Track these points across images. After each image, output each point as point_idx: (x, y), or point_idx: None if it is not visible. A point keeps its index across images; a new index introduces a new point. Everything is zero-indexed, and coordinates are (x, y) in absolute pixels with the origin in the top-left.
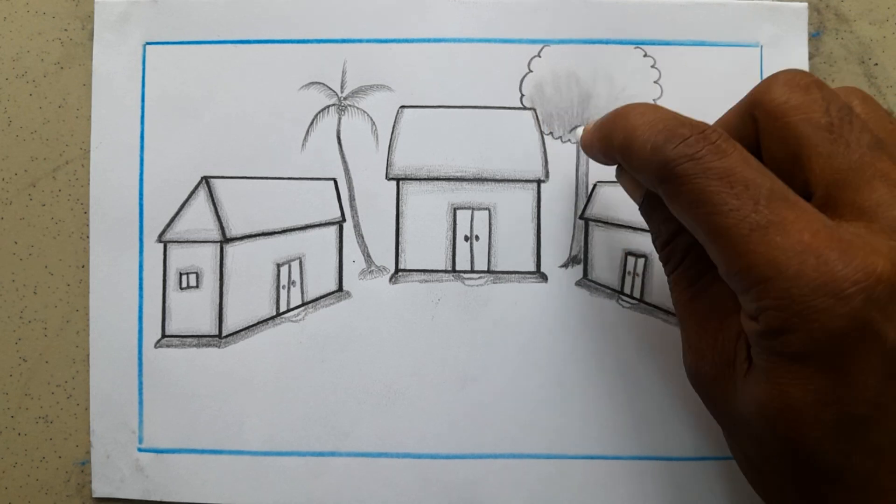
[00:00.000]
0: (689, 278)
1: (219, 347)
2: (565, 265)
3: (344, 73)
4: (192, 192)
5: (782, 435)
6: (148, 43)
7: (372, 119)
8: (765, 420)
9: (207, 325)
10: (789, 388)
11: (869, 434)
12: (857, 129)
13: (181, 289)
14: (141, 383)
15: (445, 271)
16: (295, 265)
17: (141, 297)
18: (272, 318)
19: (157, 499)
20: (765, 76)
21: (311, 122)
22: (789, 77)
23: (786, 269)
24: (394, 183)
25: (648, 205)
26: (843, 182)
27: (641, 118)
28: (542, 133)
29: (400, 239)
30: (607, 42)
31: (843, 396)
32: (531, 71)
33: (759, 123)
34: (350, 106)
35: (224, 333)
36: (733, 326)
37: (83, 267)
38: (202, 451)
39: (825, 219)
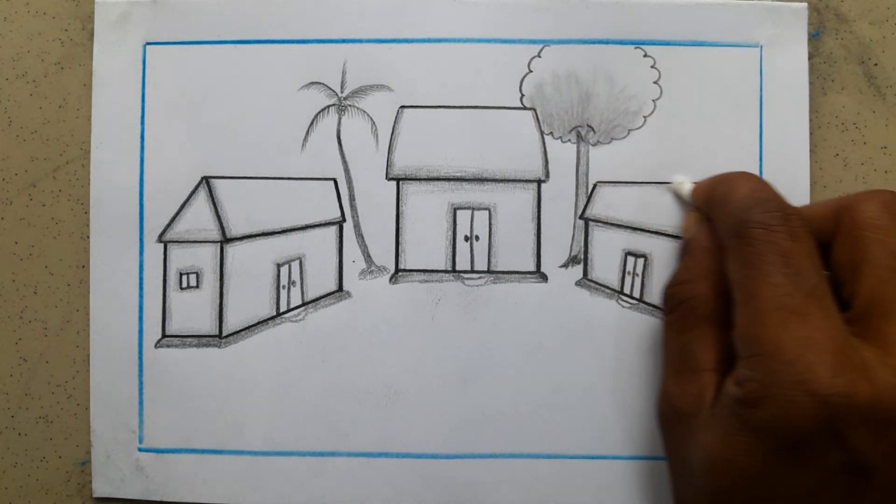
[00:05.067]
0: (681, 326)
1: (219, 347)
2: (565, 265)
3: (344, 73)
4: (192, 192)
5: (713, 492)
6: (148, 43)
7: (372, 119)
8: (704, 472)
9: (207, 325)
10: (738, 456)
11: None
12: None
13: (181, 289)
14: (141, 383)
15: (445, 271)
16: (295, 265)
17: (141, 297)
18: (272, 318)
19: (157, 499)
20: (765, 76)
21: (311, 122)
22: (889, 199)
23: (784, 354)
24: (394, 183)
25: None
26: (882, 309)
27: (747, 183)
28: (542, 133)
29: (400, 239)
30: (607, 42)
31: (782, 486)
32: (531, 71)
33: (840, 225)
34: (350, 106)
35: (224, 333)
36: (706, 379)
37: (83, 267)
38: (202, 451)
39: (845, 332)
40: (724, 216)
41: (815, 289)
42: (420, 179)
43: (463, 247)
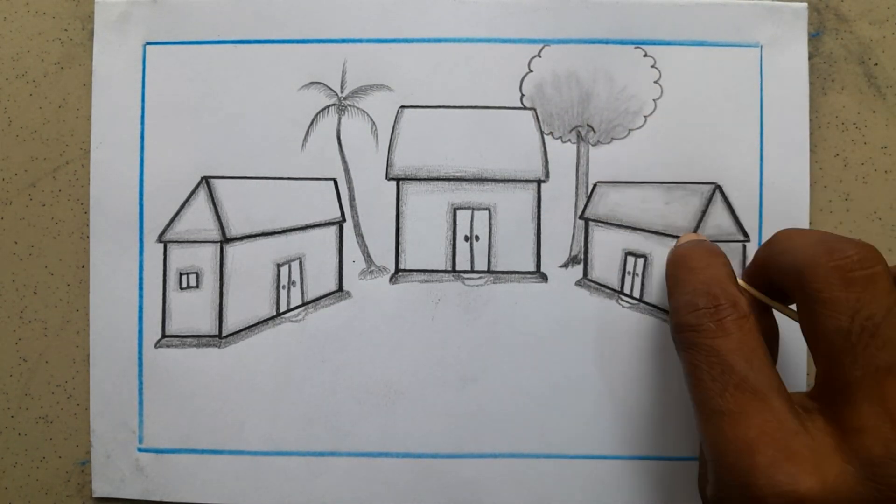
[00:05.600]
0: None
1: (219, 347)
2: (565, 265)
3: (344, 73)
4: (192, 192)
5: None
6: (148, 43)
7: (372, 119)
8: None
9: (207, 325)
10: None
11: None
12: (875, 347)
13: (181, 289)
14: (141, 383)
15: (445, 271)
16: (295, 265)
17: (141, 297)
18: (272, 318)
19: (157, 499)
20: (765, 76)
21: (311, 122)
22: (843, 264)
23: (723, 459)
24: (394, 183)
25: None
26: (838, 392)
27: (689, 274)
28: (542, 133)
29: (400, 239)
30: (607, 42)
31: None
32: (531, 71)
33: (796, 290)
34: (350, 106)
35: (224, 333)
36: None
37: (83, 267)
38: (202, 451)
39: (786, 421)
40: (670, 313)
41: (744, 381)
42: (420, 179)
43: (463, 247)
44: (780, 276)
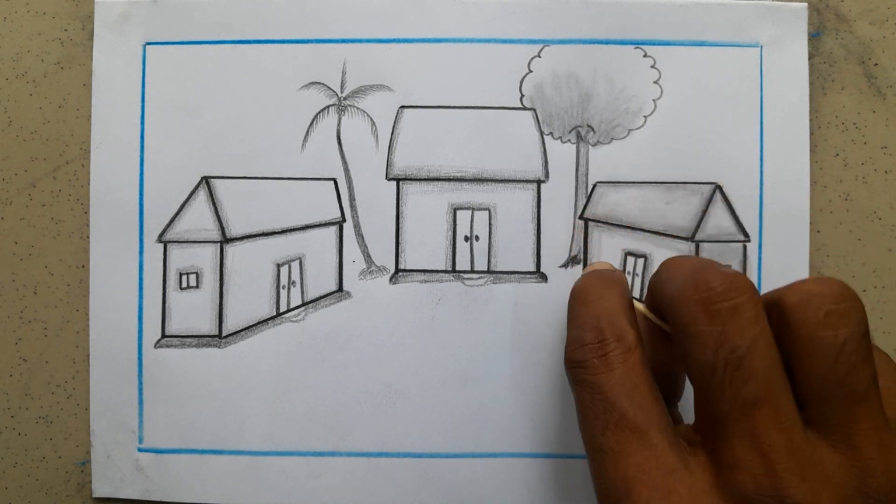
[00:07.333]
0: None
1: (219, 347)
2: (565, 265)
3: (344, 73)
4: (192, 192)
5: None
6: (148, 43)
7: (372, 119)
8: None
9: (207, 325)
10: None
11: None
12: (741, 380)
13: (181, 289)
14: (141, 383)
15: (445, 271)
16: (295, 265)
17: (141, 297)
18: (272, 318)
19: (157, 499)
20: (765, 76)
21: (311, 122)
22: (707, 296)
23: (604, 498)
24: (394, 183)
25: None
26: (712, 426)
27: (581, 308)
28: (542, 133)
29: (400, 239)
30: (607, 42)
31: None
32: (531, 71)
33: (670, 323)
34: (350, 106)
35: (224, 333)
36: None
37: (83, 267)
38: (202, 451)
39: (666, 457)
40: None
41: (623, 419)
42: (420, 179)
43: (463, 247)
44: (661, 306)
